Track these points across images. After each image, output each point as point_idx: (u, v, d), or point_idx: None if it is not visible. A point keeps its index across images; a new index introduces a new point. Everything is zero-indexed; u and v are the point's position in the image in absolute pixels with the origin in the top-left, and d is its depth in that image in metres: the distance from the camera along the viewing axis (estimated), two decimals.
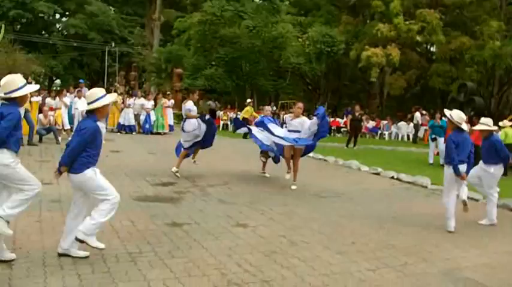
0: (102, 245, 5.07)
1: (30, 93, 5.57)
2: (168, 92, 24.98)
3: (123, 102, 21.04)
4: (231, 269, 5.10)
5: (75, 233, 4.99)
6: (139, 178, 10.14)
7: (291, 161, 10.39)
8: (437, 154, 16.96)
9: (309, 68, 29.92)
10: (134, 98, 21.70)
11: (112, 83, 54.69)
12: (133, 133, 20.67)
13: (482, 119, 8.25)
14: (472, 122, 15.41)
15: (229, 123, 28.06)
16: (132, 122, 20.94)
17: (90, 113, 5.11)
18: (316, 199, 9.42)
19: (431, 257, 6.03)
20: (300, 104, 10.60)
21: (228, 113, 28.58)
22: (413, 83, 37.64)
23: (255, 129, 11.19)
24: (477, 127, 8.29)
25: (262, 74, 30.52)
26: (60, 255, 5.07)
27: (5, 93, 4.82)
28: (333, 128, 29.91)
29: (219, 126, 28.06)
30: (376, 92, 36.86)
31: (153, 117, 21.21)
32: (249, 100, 25.40)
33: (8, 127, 4.66)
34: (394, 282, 5.10)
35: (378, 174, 13.22)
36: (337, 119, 30.91)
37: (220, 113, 29.60)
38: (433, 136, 16.66)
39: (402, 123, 30.42)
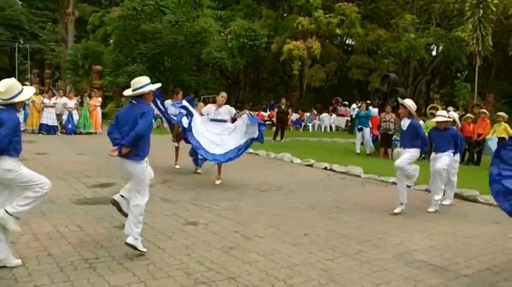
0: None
1: None
2: (96, 90, 24.15)
3: (42, 102, 20.07)
4: (194, 268, 5.04)
5: None
6: (74, 180, 9.76)
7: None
8: (362, 143, 17.58)
9: (232, 62, 29.91)
10: (56, 97, 20.75)
11: (23, 82, 52.30)
12: (57, 134, 19.86)
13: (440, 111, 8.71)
14: (395, 111, 16.04)
15: (153, 120, 27.53)
16: (55, 122, 20.10)
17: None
18: (257, 192, 9.48)
19: (382, 243, 6.26)
20: (224, 93, 10.63)
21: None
22: (332, 74, 38.61)
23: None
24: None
25: (185, 70, 30.15)
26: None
27: (4, 100, 4.70)
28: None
29: None
30: (296, 85, 37.47)
31: (75, 117, 20.48)
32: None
33: (7, 135, 4.58)
34: (353, 269, 5.23)
35: (311, 166, 13.49)
36: (262, 113, 31.15)
37: None
38: (360, 126, 17.22)
39: (325, 115, 31.18)
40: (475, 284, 4.97)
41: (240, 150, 10.02)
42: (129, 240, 5.26)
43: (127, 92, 5.56)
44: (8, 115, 4.65)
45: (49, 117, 19.79)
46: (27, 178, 4.77)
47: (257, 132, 9.96)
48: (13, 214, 4.69)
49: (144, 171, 5.46)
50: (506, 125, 15.03)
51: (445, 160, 8.42)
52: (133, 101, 5.54)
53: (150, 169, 5.75)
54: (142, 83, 5.48)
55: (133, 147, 5.30)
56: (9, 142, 4.62)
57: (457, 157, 9.07)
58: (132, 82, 5.56)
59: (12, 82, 4.82)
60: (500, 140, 14.75)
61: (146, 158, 5.52)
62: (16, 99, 4.75)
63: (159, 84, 6.06)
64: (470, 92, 30.29)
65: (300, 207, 8.26)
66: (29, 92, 4.93)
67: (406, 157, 8.07)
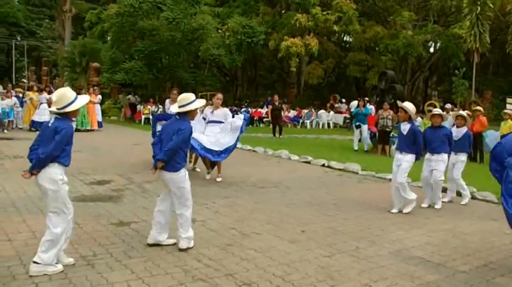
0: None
1: None
2: (96, 87, 24.12)
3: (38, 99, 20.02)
4: (192, 265, 5.05)
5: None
6: (71, 177, 9.66)
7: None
8: (360, 140, 17.60)
9: (230, 59, 29.94)
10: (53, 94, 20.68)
11: (19, 79, 52.18)
12: None
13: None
14: (392, 108, 16.07)
15: (150, 117, 27.53)
16: (48, 118, 20.01)
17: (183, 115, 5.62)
18: (255, 189, 9.48)
19: (379, 240, 6.27)
20: (220, 95, 10.67)
21: (149, 106, 28.05)
22: (330, 71, 38.62)
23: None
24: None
25: (182, 67, 30.17)
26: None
27: (58, 109, 4.77)
28: (255, 118, 30.18)
29: (140, 120, 27.59)
30: (294, 82, 37.50)
31: None
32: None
33: (61, 142, 4.70)
34: (350, 266, 5.24)
35: (308, 162, 13.49)
36: (259, 110, 31.16)
37: (140, 107, 29.06)
38: (357, 123, 17.24)
39: (322, 112, 31.20)
40: (472, 280, 4.99)
41: (233, 146, 10.08)
42: (182, 245, 5.51)
43: (174, 109, 5.79)
44: (63, 124, 4.75)
45: (42, 114, 19.56)
46: (62, 198, 4.83)
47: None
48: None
49: (183, 179, 5.51)
50: None
51: (442, 169, 8.50)
52: (177, 117, 5.70)
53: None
54: (189, 101, 5.59)
55: (168, 160, 5.41)
56: (62, 150, 4.74)
57: (464, 156, 9.02)
58: (179, 98, 5.72)
59: (63, 91, 4.90)
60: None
61: (184, 168, 5.59)
62: (68, 109, 4.79)
63: (203, 101, 6.17)
64: (468, 89, 30.35)
65: (297, 204, 8.27)
66: (81, 101, 4.93)
67: (405, 168, 7.97)
